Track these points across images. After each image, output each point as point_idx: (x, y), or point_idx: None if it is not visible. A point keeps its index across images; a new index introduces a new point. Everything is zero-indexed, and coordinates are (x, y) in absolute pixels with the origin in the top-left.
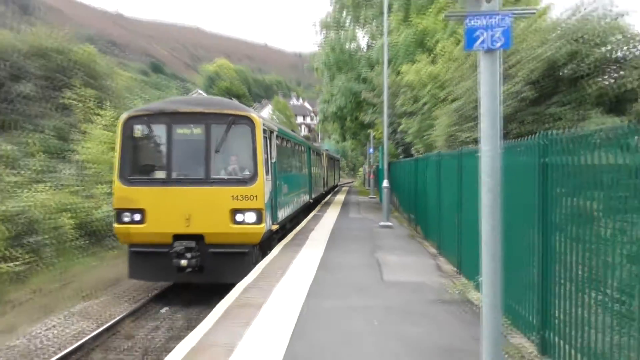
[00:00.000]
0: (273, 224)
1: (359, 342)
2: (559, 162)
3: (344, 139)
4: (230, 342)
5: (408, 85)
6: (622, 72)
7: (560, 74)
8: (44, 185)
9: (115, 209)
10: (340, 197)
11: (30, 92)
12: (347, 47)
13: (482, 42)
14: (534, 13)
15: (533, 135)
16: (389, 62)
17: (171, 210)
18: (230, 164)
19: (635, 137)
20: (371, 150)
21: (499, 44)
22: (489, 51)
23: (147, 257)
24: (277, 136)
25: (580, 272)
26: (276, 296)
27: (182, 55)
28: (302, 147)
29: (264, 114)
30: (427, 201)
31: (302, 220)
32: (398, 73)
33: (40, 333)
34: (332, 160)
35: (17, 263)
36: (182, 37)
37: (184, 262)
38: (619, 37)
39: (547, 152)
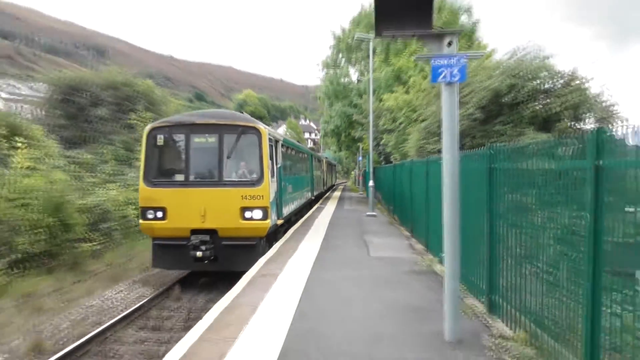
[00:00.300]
0: (278, 219)
1: (351, 302)
2: (503, 167)
3: (340, 150)
4: (254, 302)
5: (388, 109)
6: (548, 100)
7: (503, 100)
8: (114, 185)
9: (140, 207)
10: (337, 194)
11: (105, 115)
12: (342, 81)
13: (444, 76)
14: (482, 55)
15: (483, 147)
16: (374, 92)
17: (189, 208)
18: (240, 168)
19: (560, 149)
20: (360, 158)
21: (456, 78)
22: (449, 84)
23: (168, 249)
24: (282, 145)
25: (518, 250)
26: (289, 268)
27: (218, 87)
28: (305, 155)
29: (280, 131)
30: (402, 196)
31: (305, 213)
32: (380, 100)
33: (111, 296)
34: (331, 165)
35: (94, 243)
36: (218, 73)
37: (199, 253)
38: (546, 73)
39: (494, 159)
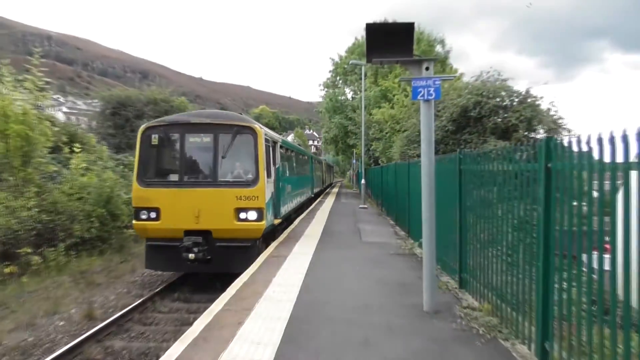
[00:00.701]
0: (276, 218)
1: (346, 277)
2: (470, 169)
3: (338, 154)
4: (267, 278)
5: (377, 121)
6: (507, 114)
7: (470, 115)
8: None
9: (133, 207)
10: (335, 190)
11: None
12: (339, 98)
13: (422, 95)
14: (453, 78)
15: (454, 152)
16: (365, 107)
17: (183, 209)
18: (235, 168)
19: (517, 154)
20: (354, 161)
21: (433, 97)
22: (427, 101)
23: (162, 250)
24: (280, 146)
25: (483, 236)
26: (296, 250)
27: (238, 103)
28: (305, 156)
29: (289, 139)
30: (388, 192)
31: (306, 208)
32: (370, 114)
33: (150, 273)
34: (329, 167)
35: None
36: (238, 91)
37: (192, 255)
38: (504, 93)
39: (462, 162)
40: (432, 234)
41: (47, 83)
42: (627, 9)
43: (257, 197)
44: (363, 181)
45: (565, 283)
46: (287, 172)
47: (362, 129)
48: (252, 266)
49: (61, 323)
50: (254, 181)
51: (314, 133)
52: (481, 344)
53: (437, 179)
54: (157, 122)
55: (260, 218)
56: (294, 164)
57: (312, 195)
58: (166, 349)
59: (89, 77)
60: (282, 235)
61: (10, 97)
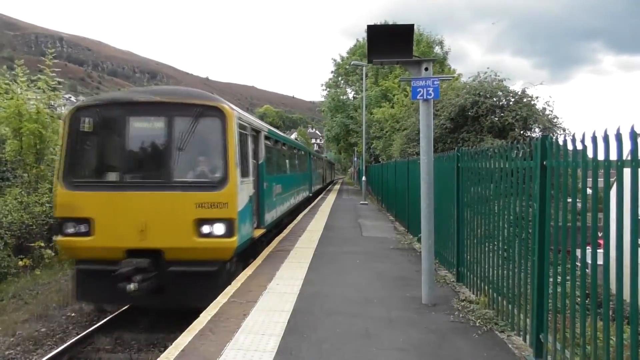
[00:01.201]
0: (258, 228)
1: (347, 271)
2: (467, 166)
3: (340, 152)
4: (271, 272)
5: (377, 120)
6: (503, 113)
7: (468, 114)
8: None
9: (56, 218)
10: (336, 187)
11: None
12: (341, 98)
13: (422, 95)
14: (451, 78)
15: (452, 151)
16: (366, 107)
17: (124, 220)
18: (197, 164)
19: (513, 152)
20: (355, 159)
21: (431, 96)
22: (426, 100)
23: (96, 276)
24: (267, 137)
25: (480, 232)
26: (299, 244)
27: (243, 103)
28: (303, 152)
29: (292, 137)
30: (388, 189)
31: (306, 207)
32: (371, 113)
33: None
34: (331, 164)
35: None
36: (243, 91)
37: (132, 286)
38: (501, 93)
39: (460, 160)
40: (431, 229)
41: (59, 83)
42: (619, 10)
43: (226, 203)
44: (364, 178)
45: (559, 277)
46: (277, 169)
47: (363, 127)
48: (256, 260)
49: (72, 314)
50: (222, 182)
51: (317, 132)
52: (478, 335)
53: (435, 176)
54: (91, 101)
55: (230, 232)
56: (288, 160)
57: (310, 195)
58: (174, 339)
59: (99, 77)
60: (285, 229)
61: (24, 96)
